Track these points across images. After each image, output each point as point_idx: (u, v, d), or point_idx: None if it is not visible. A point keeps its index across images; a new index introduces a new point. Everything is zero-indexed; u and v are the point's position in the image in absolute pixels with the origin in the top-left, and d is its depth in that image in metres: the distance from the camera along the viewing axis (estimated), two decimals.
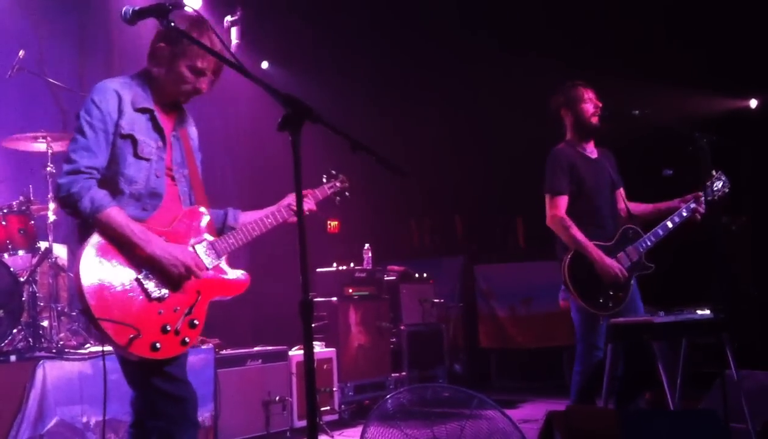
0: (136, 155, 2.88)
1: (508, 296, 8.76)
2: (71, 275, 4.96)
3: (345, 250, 7.77)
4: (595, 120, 4.65)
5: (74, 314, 5.39)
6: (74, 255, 2.84)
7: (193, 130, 3.21)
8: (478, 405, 3.31)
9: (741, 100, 8.57)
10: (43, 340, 4.98)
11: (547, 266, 8.14)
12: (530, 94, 8.07)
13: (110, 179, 2.85)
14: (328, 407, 6.23)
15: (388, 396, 3.45)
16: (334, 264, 7.16)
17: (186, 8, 3.07)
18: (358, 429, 5.57)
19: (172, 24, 2.72)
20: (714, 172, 4.56)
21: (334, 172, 3.64)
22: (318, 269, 7.10)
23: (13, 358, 4.65)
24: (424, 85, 8.95)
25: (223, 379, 5.48)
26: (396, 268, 7.74)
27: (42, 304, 5.19)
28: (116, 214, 2.76)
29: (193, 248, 2.96)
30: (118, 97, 2.86)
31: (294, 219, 3.22)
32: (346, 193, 3.66)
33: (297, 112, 2.41)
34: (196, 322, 2.88)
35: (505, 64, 8.04)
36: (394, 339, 7.27)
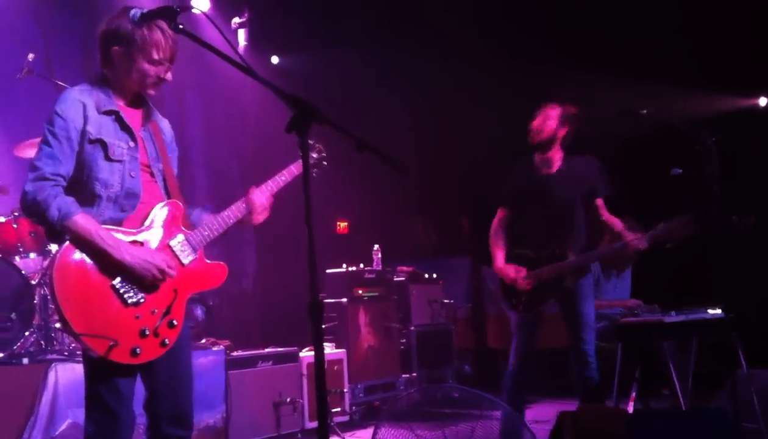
0: (108, 158, 2.85)
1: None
2: None
3: (354, 251, 7.77)
4: (534, 138, 4.75)
5: None
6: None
7: (165, 125, 3.16)
8: (489, 406, 3.31)
9: (750, 99, 8.54)
10: (54, 342, 5.00)
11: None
12: (541, 93, 8.08)
13: (85, 185, 2.83)
14: (338, 408, 6.23)
15: (398, 397, 3.45)
16: (344, 265, 7.17)
17: (193, 10, 3.08)
18: (369, 430, 5.58)
19: (181, 26, 2.73)
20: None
21: (310, 142, 3.43)
22: (327, 270, 7.10)
23: (25, 360, 4.68)
24: (433, 83, 8.93)
25: (234, 380, 5.49)
26: (405, 268, 7.74)
27: (53, 306, 5.21)
28: (84, 220, 2.71)
29: (168, 245, 2.91)
30: (82, 104, 2.84)
31: (249, 218, 3.13)
32: (324, 163, 3.54)
33: (304, 113, 2.43)
34: (174, 322, 2.84)
35: (515, 63, 8.02)
36: (403, 340, 7.28)
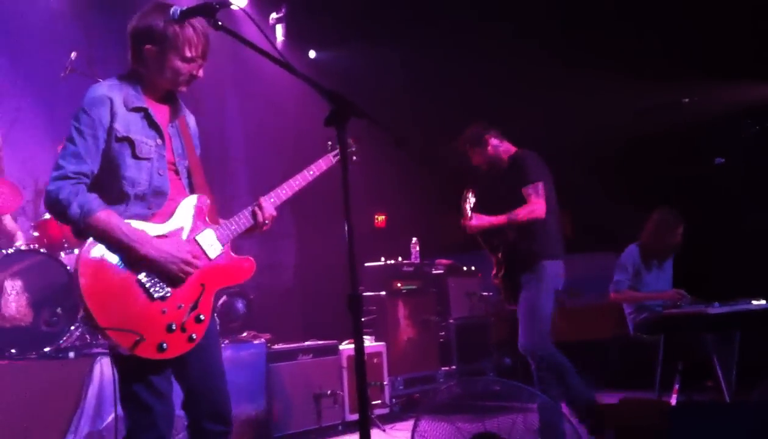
0: (135, 156, 2.82)
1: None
2: None
3: (392, 244, 7.79)
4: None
5: None
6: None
7: (190, 118, 3.12)
8: (529, 398, 3.30)
9: None
10: (99, 336, 5.07)
11: (594, 257, 8.09)
12: (582, 86, 8.02)
13: (112, 184, 2.79)
14: (378, 401, 6.26)
15: (438, 390, 3.46)
16: (382, 258, 7.19)
17: (232, 6, 3.09)
18: (409, 423, 5.60)
19: (220, 23, 2.74)
20: None
21: (329, 143, 3.45)
22: (366, 264, 7.13)
23: (71, 354, 4.77)
24: (471, 73, 8.89)
25: (275, 373, 5.56)
26: (443, 261, 7.74)
27: (79, 302, 5.27)
28: (107, 217, 2.68)
29: (195, 239, 2.87)
30: (110, 100, 2.80)
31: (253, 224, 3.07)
32: (354, 158, 3.51)
33: (342, 108, 2.44)
34: (202, 317, 2.81)
35: (553, 57, 7.96)
36: (442, 333, 7.27)
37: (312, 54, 9.04)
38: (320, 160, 3.34)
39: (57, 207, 2.69)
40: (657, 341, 5.66)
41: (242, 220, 3.03)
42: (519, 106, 8.63)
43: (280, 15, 8.13)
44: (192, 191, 2.99)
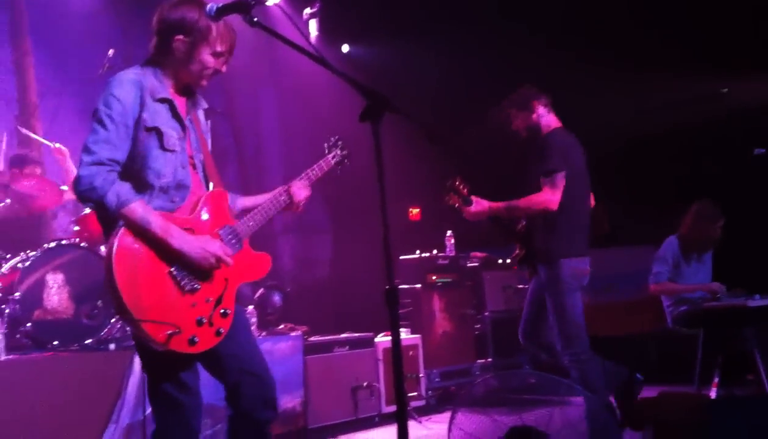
0: (162, 148, 2.79)
1: (591, 282, 8.59)
2: None
3: (427, 237, 7.78)
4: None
5: None
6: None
7: (201, 114, 3.10)
8: (567, 392, 3.29)
9: None
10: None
11: (631, 251, 8.02)
12: (618, 79, 7.93)
13: (137, 174, 2.76)
14: (415, 393, 6.28)
15: (475, 383, 3.46)
16: (417, 251, 7.19)
17: (267, 3, 3.11)
18: (445, 415, 5.60)
19: (255, 20, 2.76)
20: None
21: (333, 139, 3.48)
22: (401, 257, 7.13)
23: (111, 346, 4.86)
24: (509, 67, 8.83)
25: (312, 365, 5.59)
26: (478, 254, 7.71)
27: (111, 294, 5.35)
28: (142, 208, 2.66)
29: (217, 234, 2.87)
30: (139, 89, 2.78)
31: (290, 207, 3.15)
32: (346, 161, 3.48)
33: (377, 103, 2.44)
34: (227, 311, 2.79)
35: (590, 52, 7.89)
36: (478, 326, 7.26)
37: (345, 48, 9.05)
38: (322, 162, 3.36)
39: (92, 193, 2.65)
40: (696, 335, 5.60)
41: (259, 215, 3.02)
42: (559, 96, 8.57)
43: (314, 10, 8.14)
44: (208, 186, 2.98)
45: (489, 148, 8.50)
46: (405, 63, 8.73)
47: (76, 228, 5.49)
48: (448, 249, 7.38)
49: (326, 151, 3.41)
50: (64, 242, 5.11)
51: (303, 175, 3.25)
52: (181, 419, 2.80)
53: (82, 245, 5.10)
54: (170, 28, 2.87)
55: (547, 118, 4.72)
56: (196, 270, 2.73)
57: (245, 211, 3.09)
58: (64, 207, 6.24)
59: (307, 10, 8.20)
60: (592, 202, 4.84)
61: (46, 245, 4.94)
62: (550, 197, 4.44)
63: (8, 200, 5.20)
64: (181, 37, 2.86)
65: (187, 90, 2.99)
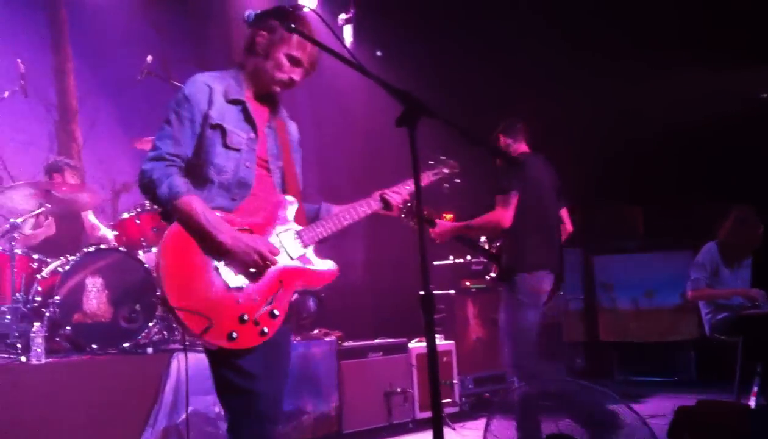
0: (225, 145, 2.85)
1: (630, 289, 8.53)
2: None
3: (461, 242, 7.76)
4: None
5: None
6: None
7: (292, 126, 3.15)
8: (602, 399, 3.26)
9: None
10: (176, 332, 5.21)
11: (670, 256, 7.94)
12: (656, 79, 7.84)
13: (200, 169, 2.83)
14: (448, 400, 6.26)
15: (510, 389, 3.44)
16: (451, 257, 7.17)
17: (304, 9, 3.13)
18: (479, 422, 5.59)
19: (293, 26, 2.79)
20: None
21: (443, 158, 3.52)
22: (435, 262, 7.13)
23: (149, 350, 4.91)
24: (543, 72, 8.79)
25: (345, 370, 5.61)
26: None
27: (156, 281, 5.40)
28: (193, 202, 2.71)
29: (278, 236, 2.89)
30: (209, 88, 2.86)
31: (385, 211, 3.15)
32: (456, 180, 3.55)
33: (413, 108, 2.44)
34: (276, 312, 2.78)
35: (626, 49, 7.82)
36: None
37: (379, 53, 9.06)
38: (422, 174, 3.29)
39: (148, 186, 2.75)
40: (735, 343, 5.52)
41: (330, 222, 3.03)
42: (597, 100, 8.51)
43: (349, 16, 8.17)
44: (284, 192, 3.01)
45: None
46: (438, 67, 8.72)
47: (115, 232, 5.56)
48: None
49: (429, 167, 3.47)
50: (103, 246, 5.18)
51: (400, 184, 3.25)
52: (250, 406, 2.78)
53: (120, 249, 5.16)
54: (257, 24, 2.95)
55: (514, 146, 4.98)
56: (243, 267, 2.75)
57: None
58: (103, 211, 6.34)
59: (342, 16, 8.23)
60: (567, 219, 5.05)
61: (85, 249, 5.01)
62: (502, 215, 4.63)
63: (48, 205, 5.28)
64: (264, 32, 2.93)
65: (269, 99, 3.05)
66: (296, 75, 2.97)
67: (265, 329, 2.75)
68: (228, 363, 2.76)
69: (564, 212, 5.03)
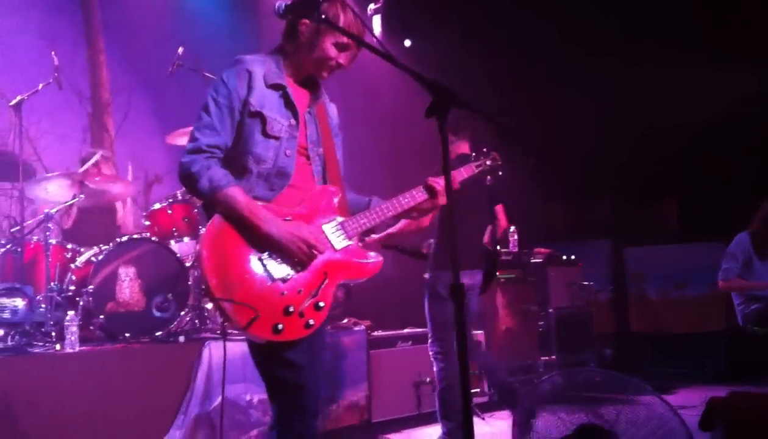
0: (265, 134, 2.78)
1: (661, 279, 8.45)
2: None
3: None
4: None
5: None
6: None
7: (332, 108, 3.07)
8: (635, 390, 3.24)
9: None
10: (208, 321, 5.28)
11: (701, 247, 7.85)
12: (685, 72, 7.75)
13: (238, 158, 2.77)
14: (477, 390, 6.26)
15: (540, 380, 3.43)
16: None
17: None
18: (508, 412, 5.57)
19: (324, 17, 2.75)
20: None
21: (485, 149, 3.44)
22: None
23: (181, 339, 4.97)
24: (572, 62, 8.72)
25: (375, 360, 5.64)
26: (542, 250, 7.64)
27: (200, 274, 5.47)
28: (235, 193, 2.66)
29: (321, 227, 2.82)
30: (248, 73, 2.78)
31: (430, 202, 3.04)
32: (499, 173, 3.43)
33: (443, 98, 2.42)
34: (321, 304, 2.70)
35: (654, 42, 7.73)
36: (541, 322, 7.19)
37: (407, 43, 9.05)
38: (462, 168, 3.30)
39: (189, 180, 2.71)
40: (767, 333, 5.46)
41: (374, 214, 2.96)
42: (633, 91, 8.43)
43: (378, 6, 8.18)
44: (325, 181, 2.95)
45: (556, 142, 8.44)
46: (467, 57, 8.68)
47: (147, 223, 5.63)
48: (511, 245, 7.33)
49: (472, 159, 3.41)
50: (135, 236, 5.24)
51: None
52: (298, 401, 2.74)
53: (153, 239, 5.22)
54: (298, 11, 2.82)
55: (455, 144, 5.12)
56: (289, 258, 2.70)
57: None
58: (136, 202, 6.42)
59: (371, 6, 8.24)
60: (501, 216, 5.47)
61: (118, 239, 5.08)
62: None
63: (82, 196, 5.36)
64: (307, 21, 2.84)
65: (310, 82, 2.97)
66: (345, 60, 2.89)
67: (311, 322, 2.68)
68: (276, 357, 2.71)
69: (499, 209, 5.44)
